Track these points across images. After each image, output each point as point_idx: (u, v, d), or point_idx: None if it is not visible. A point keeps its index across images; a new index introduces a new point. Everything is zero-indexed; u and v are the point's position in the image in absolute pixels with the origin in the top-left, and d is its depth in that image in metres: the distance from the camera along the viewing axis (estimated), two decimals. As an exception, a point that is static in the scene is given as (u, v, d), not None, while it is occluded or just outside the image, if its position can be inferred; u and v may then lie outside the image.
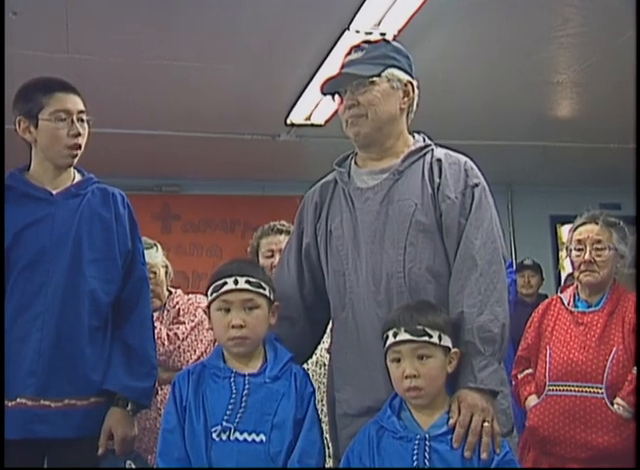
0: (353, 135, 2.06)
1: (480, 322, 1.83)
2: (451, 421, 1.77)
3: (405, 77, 2.06)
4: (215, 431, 1.82)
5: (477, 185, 1.98)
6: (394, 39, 3.60)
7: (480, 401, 1.79)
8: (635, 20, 3.39)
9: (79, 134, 2.13)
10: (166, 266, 2.98)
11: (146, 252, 2.82)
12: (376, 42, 2.10)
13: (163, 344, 2.75)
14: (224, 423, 1.82)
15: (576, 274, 2.77)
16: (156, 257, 2.92)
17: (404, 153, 2.05)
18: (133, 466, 2.08)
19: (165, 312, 2.90)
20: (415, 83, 2.08)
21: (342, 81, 2.03)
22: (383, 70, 2.02)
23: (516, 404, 2.77)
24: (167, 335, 2.79)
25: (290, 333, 2.06)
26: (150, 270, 2.81)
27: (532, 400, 2.73)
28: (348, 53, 2.08)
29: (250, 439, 1.81)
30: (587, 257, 2.72)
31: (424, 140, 2.10)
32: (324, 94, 2.10)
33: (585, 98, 4.88)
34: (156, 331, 2.72)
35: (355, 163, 2.12)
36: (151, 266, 2.83)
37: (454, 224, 1.93)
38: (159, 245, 2.99)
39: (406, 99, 2.06)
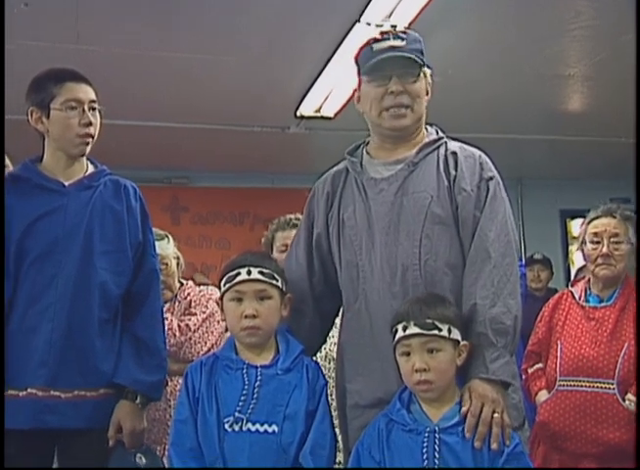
0: (393, 127, 2.02)
1: (493, 314, 1.84)
2: (463, 410, 1.78)
3: (429, 75, 2.06)
4: (228, 422, 1.83)
5: (491, 178, 1.99)
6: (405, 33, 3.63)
7: (491, 392, 1.79)
8: (635, 19, 3.37)
9: (91, 123, 2.13)
10: (178, 258, 2.99)
11: (157, 243, 2.83)
12: (404, 33, 2.06)
13: (175, 335, 2.76)
14: (237, 414, 1.83)
15: (592, 267, 2.75)
16: (167, 248, 2.93)
17: (419, 144, 2.04)
18: (143, 460, 2.08)
19: (177, 304, 2.90)
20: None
21: (393, 63, 1.98)
22: (423, 68, 2.02)
23: (526, 399, 2.77)
24: (179, 326, 2.80)
25: (299, 325, 2.06)
26: (161, 261, 2.81)
27: (543, 395, 2.72)
28: (380, 39, 2.02)
29: (262, 429, 1.82)
30: (605, 250, 2.70)
31: (437, 132, 2.09)
32: (361, 71, 2.03)
33: (596, 92, 4.85)
34: (167, 322, 2.74)
35: (367, 152, 2.11)
36: (162, 258, 2.84)
37: (469, 217, 1.94)
38: (170, 236, 2.99)
39: (429, 96, 2.07)
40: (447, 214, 1.95)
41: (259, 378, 1.88)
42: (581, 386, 2.61)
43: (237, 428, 1.83)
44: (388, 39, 2.01)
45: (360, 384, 1.97)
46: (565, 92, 4.92)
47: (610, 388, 2.56)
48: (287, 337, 1.98)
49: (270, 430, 1.82)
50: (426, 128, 2.11)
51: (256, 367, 1.90)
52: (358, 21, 3.59)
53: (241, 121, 5.06)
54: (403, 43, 2.00)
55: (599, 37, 4.00)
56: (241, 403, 1.85)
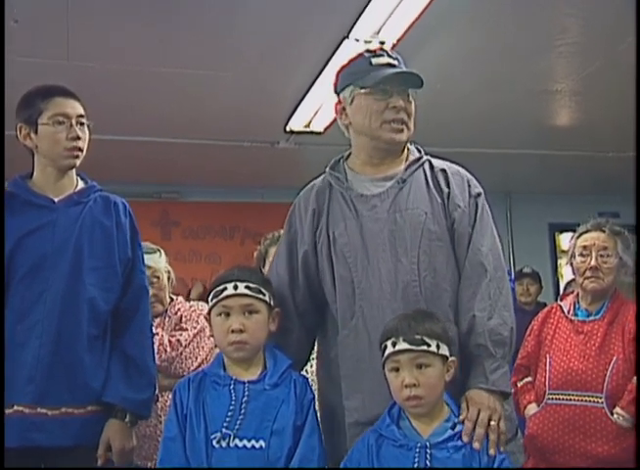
0: (392, 139, 2.04)
1: (491, 325, 1.89)
2: (460, 417, 1.81)
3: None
4: (215, 438, 1.83)
5: (479, 195, 2.04)
6: (393, 48, 3.66)
7: (489, 401, 1.83)
8: (635, 27, 3.40)
9: (79, 137, 2.13)
10: (169, 272, 2.99)
11: (149, 256, 2.84)
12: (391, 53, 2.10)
13: (165, 350, 2.75)
14: (224, 430, 1.83)
15: (580, 280, 2.77)
16: (159, 261, 2.92)
17: (403, 162, 2.07)
18: None
19: (167, 319, 2.89)
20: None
21: (395, 80, 2.01)
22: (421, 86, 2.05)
23: (515, 412, 2.77)
24: (170, 341, 2.79)
25: (286, 341, 2.06)
26: (153, 275, 2.82)
27: (532, 409, 2.73)
28: (377, 54, 2.05)
29: (249, 445, 1.82)
30: (593, 262, 2.72)
31: (418, 151, 2.12)
32: (356, 83, 2.03)
33: (584, 107, 4.89)
34: (157, 337, 2.73)
35: (350, 168, 2.11)
36: (154, 271, 2.84)
37: (465, 233, 1.98)
38: (162, 250, 2.99)
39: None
40: (442, 231, 1.98)
41: (247, 393, 1.88)
42: (570, 399, 2.62)
43: (224, 444, 1.82)
44: (383, 56, 2.05)
45: (359, 401, 1.96)
46: (553, 107, 4.95)
47: (598, 401, 2.57)
48: (274, 352, 1.97)
49: (257, 445, 1.82)
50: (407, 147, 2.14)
51: (244, 383, 1.90)
52: (347, 37, 3.61)
53: (231, 136, 5.08)
54: (395, 62, 2.05)
55: (586, 53, 4.04)
56: (228, 419, 1.84)
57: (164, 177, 6.05)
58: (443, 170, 2.05)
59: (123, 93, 4.28)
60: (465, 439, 1.77)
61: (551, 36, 3.83)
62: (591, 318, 2.73)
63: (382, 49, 2.09)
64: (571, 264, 2.84)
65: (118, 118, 4.50)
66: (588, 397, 2.59)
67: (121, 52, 3.80)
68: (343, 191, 2.06)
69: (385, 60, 2.04)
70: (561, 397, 2.64)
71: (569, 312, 2.79)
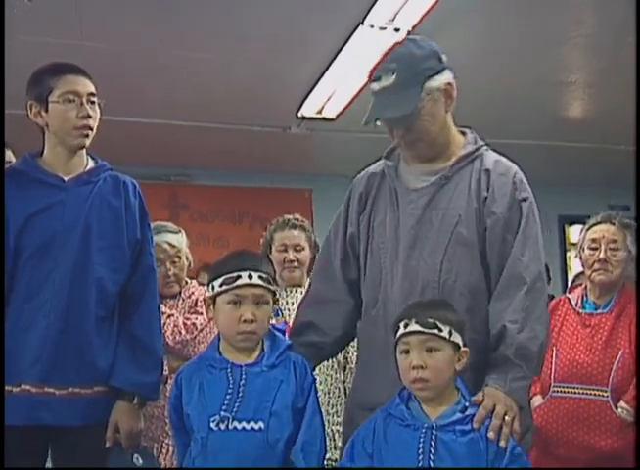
0: (411, 156, 2.05)
1: (521, 339, 1.86)
2: (474, 398, 1.80)
3: (443, 81, 2.00)
4: (214, 421, 1.84)
5: (524, 199, 1.97)
6: (408, 35, 3.63)
7: (505, 399, 1.81)
8: (635, 23, 3.38)
9: (89, 116, 2.12)
10: (187, 254, 3.00)
11: (173, 236, 2.89)
12: (400, 44, 2.02)
13: (180, 332, 2.76)
14: (222, 413, 1.84)
15: (588, 273, 2.75)
16: (181, 242, 2.94)
17: (454, 155, 2.02)
18: (140, 460, 2.08)
19: (180, 301, 2.90)
20: (452, 76, 2.02)
21: (386, 111, 1.96)
22: (421, 94, 1.95)
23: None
24: (184, 324, 2.80)
25: (339, 312, 2.09)
26: (175, 255, 2.86)
27: (537, 401, 2.73)
28: (375, 76, 1.98)
29: (248, 427, 1.83)
30: (602, 255, 2.70)
31: (475, 141, 2.06)
32: (366, 123, 2.00)
33: (597, 99, 4.86)
34: (172, 318, 2.74)
35: (404, 158, 2.09)
36: (177, 251, 2.87)
37: (498, 240, 1.93)
38: (183, 231, 3.00)
39: (449, 100, 2.02)
40: (472, 236, 1.94)
41: (244, 376, 1.88)
42: (575, 392, 2.61)
43: (223, 427, 1.83)
44: (380, 79, 1.97)
45: (369, 387, 2.00)
46: (566, 98, 4.92)
47: (603, 395, 2.56)
48: (273, 334, 1.98)
49: (257, 427, 1.83)
50: (463, 132, 2.09)
51: (241, 366, 1.90)
52: (362, 23, 3.59)
53: (242, 121, 5.06)
54: (393, 79, 1.95)
55: (601, 45, 4.01)
56: (226, 402, 1.85)
57: (174, 160, 6.04)
58: (487, 171, 1.98)
59: (135, 75, 4.27)
60: (475, 425, 1.76)
61: (567, 28, 3.81)
62: (599, 312, 2.72)
63: (379, 68, 1.99)
64: (580, 257, 2.83)
65: (130, 100, 4.49)
66: (593, 390, 2.58)
67: (133, 34, 3.78)
68: (391, 181, 2.06)
69: (378, 86, 1.98)
70: (566, 389, 2.64)
71: (577, 305, 2.78)
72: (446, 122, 2.04)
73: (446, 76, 2.01)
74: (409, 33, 3.61)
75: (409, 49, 2.01)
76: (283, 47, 3.97)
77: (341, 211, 2.18)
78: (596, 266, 2.72)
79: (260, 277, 1.92)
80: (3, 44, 3.12)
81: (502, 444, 1.75)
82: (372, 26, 3.59)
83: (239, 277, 1.91)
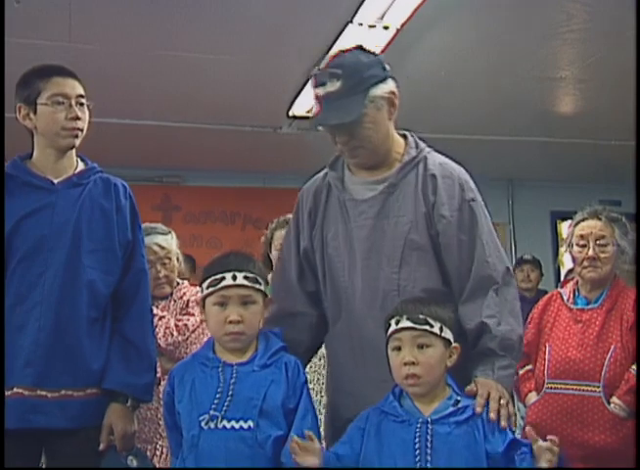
0: (353, 164, 2.05)
1: (502, 331, 1.90)
2: (467, 388, 1.83)
3: (386, 89, 1.99)
4: (204, 419, 1.84)
5: (473, 200, 1.99)
6: (397, 33, 3.64)
7: (497, 386, 1.84)
8: (635, 20, 3.38)
9: (78, 118, 2.11)
10: (178, 255, 3.00)
11: (163, 237, 2.88)
12: (348, 52, 1.99)
13: (172, 334, 2.75)
14: (212, 412, 1.84)
15: (578, 270, 2.76)
16: (171, 243, 2.94)
17: (398, 161, 2.03)
18: (134, 462, 2.08)
19: (172, 303, 2.90)
20: (395, 85, 2.01)
21: (331, 117, 1.95)
22: (365, 101, 1.94)
23: (518, 400, 2.79)
24: (176, 325, 2.79)
25: (304, 326, 2.10)
26: (165, 256, 2.86)
27: (532, 397, 2.73)
28: (319, 81, 1.96)
29: (237, 426, 1.83)
30: (591, 253, 2.70)
31: (416, 145, 2.07)
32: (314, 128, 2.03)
33: (587, 94, 4.87)
34: (164, 320, 2.74)
35: (348, 167, 2.10)
36: (167, 252, 2.87)
37: (452, 242, 1.95)
38: (173, 232, 3.00)
39: (392, 108, 2.02)
40: (425, 241, 1.96)
41: (234, 375, 1.88)
42: (568, 389, 2.61)
43: (212, 426, 1.83)
44: (324, 84, 1.95)
45: (339, 400, 2.03)
46: (556, 94, 4.93)
47: (596, 391, 2.56)
48: (267, 335, 1.98)
49: (245, 426, 1.83)
50: (404, 136, 2.08)
51: (232, 365, 1.90)
52: (351, 21, 3.59)
53: (233, 121, 5.06)
54: (338, 85, 1.93)
55: (591, 40, 4.01)
56: (216, 401, 1.85)
57: (166, 161, 6.03)
58: (433, 176, 2.00)
59: (125, 76, 4.27)
60: (478, 410, 1.77)
61: (556, 23, 3.81)
62: (590, 307, 2.72)
63: (322, 73, 1.97)
64: (570, 253, 2.83)
65: (120, 102, 4.48)
66: (586, 386, 2.58)
67: (123, 34, 3.78)
68: (339, 193, 2.06)
69: (322, 91, 1.96)
70: (559, 386, 2.64)
71: (568, 300, 2.78)
72: (389, 130, 2.03)
73: (390, 85, 2.00)
74: (398, 31, 3.61)
75: (355, 56, 2.00)
76: (272, 47, 3.97)
77: (290, 226, 2.19)
78: (585, 264, 2.72)
79: (246, 277, 1.91)
80: (3, 44, 3.10)
81: (503, 424, 1.77)
82: (361, 24, 3.59)
83: (223, 278, 1.91)
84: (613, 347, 2.59)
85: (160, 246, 2.87)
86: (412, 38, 3.79)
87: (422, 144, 2.08)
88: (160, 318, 2.75)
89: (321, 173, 2.17)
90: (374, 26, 3.59)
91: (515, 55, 4.16)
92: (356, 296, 1.98)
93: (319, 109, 1.98)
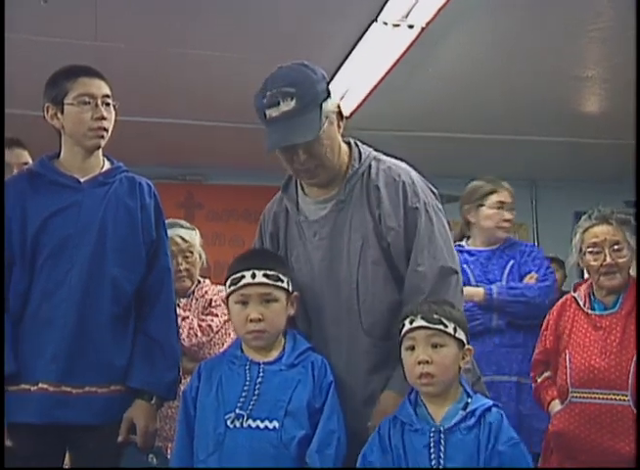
0: (311, 183, 2.03)
1: None
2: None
3: (335, 103, 1.99)
4: (229, 418, 1.84)
5: (416, 208, 1.97)
6: (422, 32, 3.62)
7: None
8: (635, 20, 3.34)
9: (104, 118, 2.13)
10: (200, 253, 3.01)
11: (186, 231, 2.92)
12: (290, 69, 1.97)
13: (196, 335, 2.76)
14: (237, 410, 1.85)
15: (596, 278, 2.66)
16: (194, 238, 2.97)
17: (345, 175, 2.01)
18: (155, 460, 2.09)
19: (194, 301, 2.91)
20: (337, 97, 2.00)
21: (289, 136, 1.92)
22: (320, 116, 1.92)
23: (539, 409, 2.75)
24: (200, 326, 2.80)
25: None
26: (187, 249, 2.88)
27: (556, 406, 2.66)
28: (270, 102, 1.92)
29: (262, 426, 1.84)
30: (609, 260, 2.62)
31: (359, 155, 2.04)
32: (269, 150, 1.99)
33: (613, 94, 4.81)
34: (187, 321, 2.74)
35: (301, 186, 2.09)
36: (189, 245, 2.90)
37: (403, 252, 1.96)
38: (197, 230, 3.02)
39: (341, 121, 2.01)
40: (378, 254, 1.96)
41: (261, 374, 1.89)
42: (595, 398, 2.55)
43: (238, 424, 1.84)
44: (278, 104, 1.91)
45: None
46: (582, 94, 4.88)
47: (624, 399, 2.51)
48: (294, 335, 1.98)
49: (271, 426, 1.84)
50: (348, 143, 2.05)
51: (259, 364, 1.91)
52: (375, 20, 3.58)
53: (256, 120, 5.05)
54: (293, 104, 1.90)
55: (619, 39, 3.96)
56: (242, 400, 1.86)
57: (189, 160, 6.05)
58: (376, 187, 1.98)
59: (150, 74, 4.28)
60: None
61: (583, 21, 3.77)
62: (608, 312, 2.64)
63: (273, 94, 1.93)
64: (581, 260, 2.73)
65: (146, 100, 4.50)
66: (613, 395, 2.53)
67: (149, 34, 3.80)
68: (295, 215, 2.07)
69: (277, 111, 1.91)
70: (585, 395, 2.58)
71: (585, 305, 2.70)
72: (340, 144, 2.02)
73: (335, 98, 2.01)
74: (423, 30, 3.59)
75: (304, 73, 1.96)
76: (297, 45, 3.96)
77: (257, 239, 2.20)
78: (602, 271, 2.63)
79: (266, 275, 1.92)
80: (3, 44, 3.12)
81: None
82: (385, 24, 3.58)
83: (243, 277, 1.92)
84: (636, 354, 2.54)
85: (182, 238, 2.89)
86: (437, 37, 3.77)
87: (365, 151, 2.06)
88: (184, 319, 2.76)
89: (279, 194, 2.18)
90: (398, 25, 3.57)
91: (540, 53, 4.11)
92: (320, 316, 2.00)
93: (271, 130, 1.94)
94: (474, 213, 3.21)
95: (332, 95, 1.99)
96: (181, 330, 2.69)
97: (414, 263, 1.94)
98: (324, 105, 1.95)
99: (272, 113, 1.93)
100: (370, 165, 2.02)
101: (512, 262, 3.15)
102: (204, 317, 2.84)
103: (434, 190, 2.09)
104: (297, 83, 1.92)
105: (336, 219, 2.00)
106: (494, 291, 3.04)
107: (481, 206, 3.19)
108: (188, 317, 2.78)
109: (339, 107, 2.00)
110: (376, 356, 1.96)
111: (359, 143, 2.09)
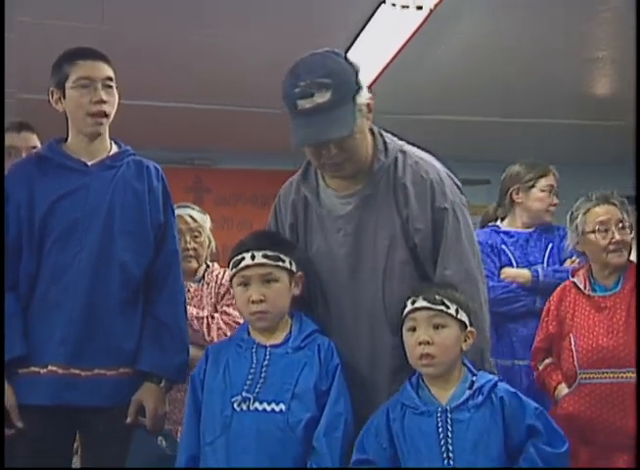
0: (334, 176, 1.97)
1: None
2: None
3: (367, 95, 1.91)
4: (236, 401, 1.85)
5: (444, 208, 1.93)
6: (430, 14, 3.58)
7: None
8: (635, 20, 3.30)
9: (103, 101, 2.11)
10: (210, 237, 3.01)
11: (196, 213, 2.92)
12: (325, 58, 1.89)
13: (225, 334, 2.68)
14: (244, 393, 1.85)
15: (603, 256, 2.65)
16: (204, 220, 2.97)
17: (371, 169, 1.95)
18: (164, 443, 2.09)
19: (205, 286, 2.90)
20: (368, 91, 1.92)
21: (322, 132, 1.84)
22: (355, 110, 1.86)
23: (544, 394, 2.74)
24: (227, 323, 2.73)
25: None
26: (196, 229, 2.88)
27: (563, 389, 2.65)
28: (304, 92, 1.82)
29: (269, 408, 1.84)
30: (618, 237, 2.63)
31: (384, 147, 1.97)
32: (299, 145, 1.92)
33: (625, 76, 4.76)
34: (214, 321, 2.74)
35: (322, 178, 2.03)
36: (197, 225, 2.90)
37: (430, 253, 1.93)
38: (209, 216, 3.03)
39: (371, 114, 1.94)
40: (405, 253, 1.93)
41: (268, 357, 1.89)
42: (605, 377, 2.56)
43: (244, 407, 1.84)
44: (312, 95, 1.82)
45: None
46: (594, 75, 4.84)
47: (634, 377, 2.52)
48: (301, 317, 1.98)
49: (277, 409, 1.84)
50: (372, 133, 1.97)
51: (266, 347, 1.91)
52: (384, 1, 3.55)
53: (264, 103, 5.04)
54: (329, 96, 1.81)
55: (630, 19, 3.91)
56: (249, 383, 1.86)
57: (197, 144, 6.05)
58: (404, 185, 1.93)
59: (157, 58, 4.27)
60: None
61: (594, 1, 3.72)
62: (610, 292, 2.65)
63: (307, 85, 1.83)
64: (583, 242, 2.70)
65: (153, 83, 4.50)
66: (623, 373, 2.54)
67: (155, 17, 3.78)
68: (317, 208, 2.01)
69: (311, 103, 1.81)
70: (594, 375, 2.58)
71: (585, 288, 2.69)
72: (368, 138, 1.96)
73: (366, 91, 1.92)
74: (431, 11, 3.56)
75: (340, 63, 1.90)
76: (304, 28, 3.94)
77: (272, 222, 2.13)
78: (612, 248, 2.63)
79: (265, 256, 1.91)
80: (3, 42, 3.12)
81: None
82: (394, 5, 3.55)
83: (242, 259, 1.92)
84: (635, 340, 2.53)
85: (192, 218, 2.90)
86: (446, 18, 3.74)
87: (391, 142, 1.99)
88: (211, 318, 2.75)
89: (295, 179, 2.10)
90: (407, 7, 3.54)
91: (551, 34, 4.07)
92: (341, 313, 1.98)
93: (301, 123, 1.85)
94: (523, 195, 3.19)
95: (364, 87, 1.91)
96: (209, 331, 2.70)
97: (442, 266, 1.91)
98: (357, 97, 1.88)
99: (305, 104, 1.83)
100: (396, 159, 1.96)
101: (551, 246, 3.14)
102: (225, 309, 2.82)
103: (459, 183, 2.04)
104: (334, 74, 1.84)
105: (361, 216, 1.95)
106: (540, 273, 3.04)
107: (532, 188, 3.18)
108: (214, 317, 2.77)
109: (371, 99, 1.92)
110: (401, 358, 1.90)
111: (383, 132, 2.02)
